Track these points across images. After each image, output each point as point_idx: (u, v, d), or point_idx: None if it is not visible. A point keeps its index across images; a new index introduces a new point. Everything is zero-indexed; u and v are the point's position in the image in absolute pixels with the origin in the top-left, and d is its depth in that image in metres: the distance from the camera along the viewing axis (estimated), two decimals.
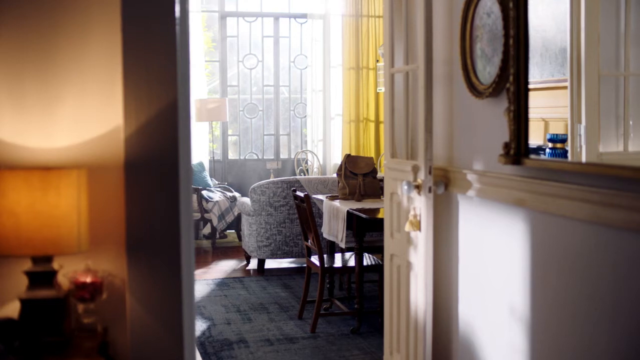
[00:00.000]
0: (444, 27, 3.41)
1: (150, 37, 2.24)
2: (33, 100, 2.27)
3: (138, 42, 2.24)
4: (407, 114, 3.60)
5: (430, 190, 3.26)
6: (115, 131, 2.28)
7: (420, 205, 3.29)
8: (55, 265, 2.18)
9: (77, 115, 2.28)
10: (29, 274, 2.15)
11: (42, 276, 2.15)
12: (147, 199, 2.28)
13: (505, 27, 2.76)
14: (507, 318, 2.94)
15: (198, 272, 7.21)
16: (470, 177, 3.14)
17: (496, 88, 2.90)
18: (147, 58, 2.24)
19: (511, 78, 2.72)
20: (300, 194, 5.44)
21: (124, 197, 2.27)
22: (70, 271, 2.27)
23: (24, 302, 2.13)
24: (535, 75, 2.78)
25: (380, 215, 4.91)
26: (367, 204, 5.43)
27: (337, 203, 5.56)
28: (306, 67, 9.36)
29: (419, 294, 3.33)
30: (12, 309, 2.22)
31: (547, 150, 2.76)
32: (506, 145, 2.78)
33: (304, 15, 9.27)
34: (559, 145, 2.76)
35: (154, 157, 2.27)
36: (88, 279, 2.26)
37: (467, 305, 3.27)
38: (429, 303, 3.28)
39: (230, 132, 9.53)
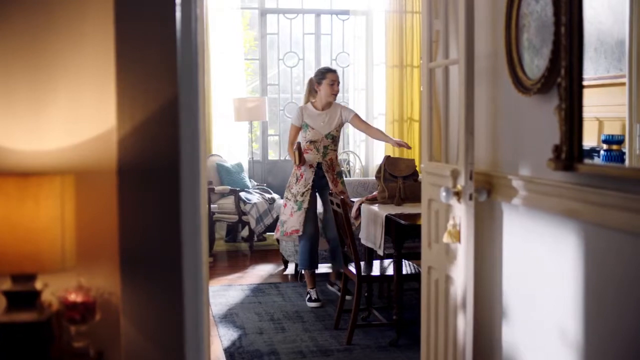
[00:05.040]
0: (486, 17, 3.09)
1: (147, 25, 1.98)
2: (21, 100, 2.03)
3: (132, 31, 1.99)
4: (446, 113, 3.29)
5: (471, 198, 2.94)
6: (107, 132, 2.03)
7: (460, 214, 2.98)
8: (39, 284, 1.93)
9: (67, 116, 2.04)
10: (7, 294, 1.91)
11: (22, 297, 1.90)
12: (144, 207, 2.03)
13: (556, 13, 2.44)
14: (556, 343, 2.62)
15: (233, 277, 6.99)
16: (516, 183, 2.82)
17: (545, 83, 2.58)
18: (143, 49, 1.99)
19: (563, 71, 2.40)
20: (335, 199, 5.16)
21: (117, 206, 2.01)
22: (60, 289, 2.03)
23: (1, 327, 1.88)
24: (589, 71, 2.49)
25: (420, 221, 4.59)
26: (407, 209, 5.12)
27: (375, 207, 5.26)
28: (348, 65, 9.07)
29: (459, 311, 3.01)
30: None
31: (602, 153, 2.47)
32: (556, 148, 2.45)
33: (346, 12, 8.98)
34: (615, 147, 2.48)
35: (152, 161, 2.02)
36: (79, 299, 2.01)
37: (511, 326, 2.95)
38: (469, 321, 2.96)
39: (271, 132, 9.29)
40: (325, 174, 5.98)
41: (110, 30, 2.01)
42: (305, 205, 5.91)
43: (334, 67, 9.11)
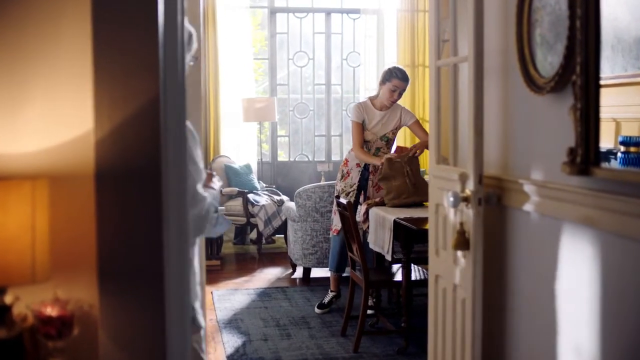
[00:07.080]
0: (497, 11, 2.93)
1: (126, 19, 1.84)
2: None
3: (111, 27, 1.84)
4: (455, 114, 3.13)
5: (480, 203, 2.78)
6: (84, 134, 1.88)
7: (468, 220, 2.81)
8: (8, 298, 1.79)
9: (41, 117, 1.90)
10: None
11: None
12: (124, 214, 1.89)
13: (571, 6, 2.28)
14: (570, 355, 2.45)
15: (240, 281, 6.86)
16: (528, 188, 2.65)
17: (559, 81, 2.42)
18: (122, 46, 1.84)
19: (578, 69, 2.24)
20: (343, 200, 5.00)
21: (94, 212, 1.87)
22: (34, 302, 1.89)
23: None
24: (606, 69, 2.35)
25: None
26: (417, 212, 4.94)
27: (383, 211, 5.09)
28: (359, 65, 8.91)
29: (467, 324, 2.85)
30: None
31: (619, 155, 2.33)
32: (571, 151, 2.29)
33: (356, 11, 8.82)
34: (632, 149, 2.34)
35: (132, 164, 1.87)
36: (54, 312, 1.87)
37: (521, 338, 2.78)
38: (477, 335, 2.80)
39: (281, 132, 9.15)
40: (370, 176, 5.63)
41: (88, 26, 1.87)
42: None
43: (344, 66, 8.99)
